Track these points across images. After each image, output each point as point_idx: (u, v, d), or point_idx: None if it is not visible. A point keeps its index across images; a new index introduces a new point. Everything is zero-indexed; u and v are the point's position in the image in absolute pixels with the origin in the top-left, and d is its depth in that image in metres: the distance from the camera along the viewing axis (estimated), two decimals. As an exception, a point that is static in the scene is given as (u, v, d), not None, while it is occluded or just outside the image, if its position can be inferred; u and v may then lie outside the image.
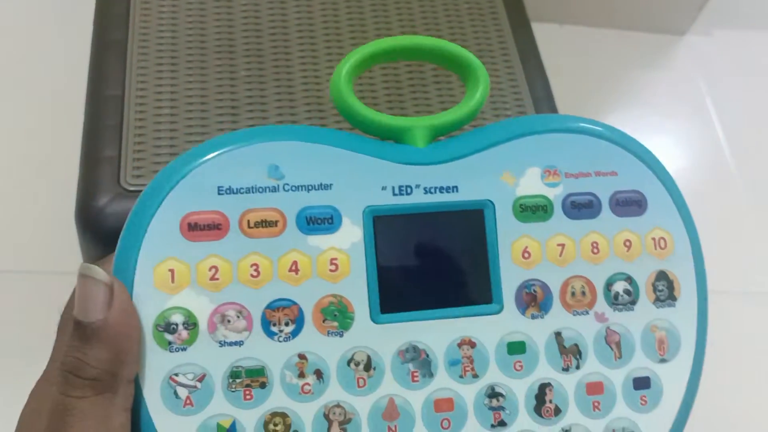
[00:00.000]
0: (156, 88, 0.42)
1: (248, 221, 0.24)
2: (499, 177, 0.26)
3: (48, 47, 0.71)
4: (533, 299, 0.26)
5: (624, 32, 0.85)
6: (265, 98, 0.43)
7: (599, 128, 0.27)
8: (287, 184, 0.24)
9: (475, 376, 0.25)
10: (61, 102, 0.58)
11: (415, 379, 0.25)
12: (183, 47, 0.44)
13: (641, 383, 0.26)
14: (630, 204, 0.27)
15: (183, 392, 0.23)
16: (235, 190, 0.24)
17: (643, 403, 0.26)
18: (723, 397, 0.55)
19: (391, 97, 0.42)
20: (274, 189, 0.24)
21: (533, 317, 0.26)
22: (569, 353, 0.26)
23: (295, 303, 0.24)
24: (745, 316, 0.65)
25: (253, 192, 0.24)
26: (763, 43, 0.86)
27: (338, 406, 0.24)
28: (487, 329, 0.25)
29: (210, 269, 0.24)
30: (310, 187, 0.25)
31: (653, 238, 0.27)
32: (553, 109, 0.47)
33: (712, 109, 0.80)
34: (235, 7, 0.46)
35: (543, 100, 0.47)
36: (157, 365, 0.23)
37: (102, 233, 0.38)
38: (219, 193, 0.24)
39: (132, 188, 0.39)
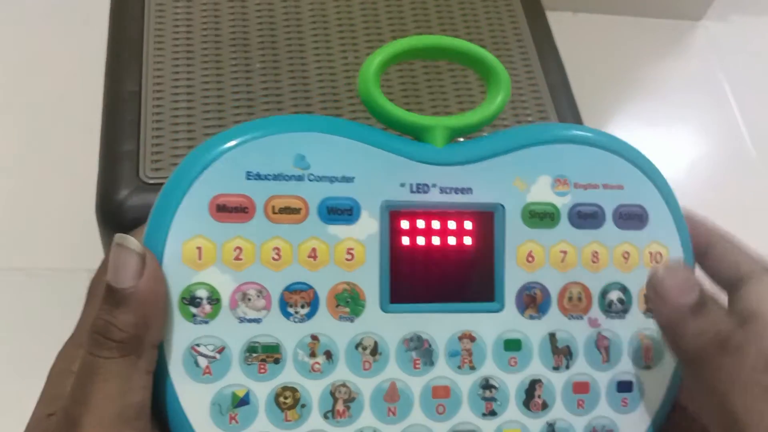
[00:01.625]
0: (172, 83, 0.43)
1: (273, 207, 0.25)
2: (512, 182, 0.27)
3: (65, 45, 0.71)
4: (533, 301, 0.27)
5: (638, 19, 0.84)
6: (281, 90, 0.44)
7: (611, 142, 0.29)
8: (312, 174, 0.26)
9: (472, 368, 0.27)
10: (78, 100, 0.58)
11: (417, 366, 0.26)
12: (198, 41, 0.45)
13: (624, 387, 0.28)
14: (632, 218, 0.28)
15: (203, 362, 0.25)
16: (262, 176, 0.25)
17: (624, 404, 0.28)
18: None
19: (408, 92, 0.43)
20: (300, 178, 0.26)
21: (531, 318, 0.27)
22: (561, 353, 0.27)
23: (311, 287, 0.26)
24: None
25: (279, 179, 0.25)
26: (782, 29, 0.84)
27: (344, 385, 0.26)
28: (487, 326, 0.27)
29: (235, 249, 0.25)
30: (333, 179, 0.26)
31: (650, 252, 0.28)
32: (570, 98, 0.47)
33: (731, 95, 0.79)
34: (249, 0, 0.47)
35: (559, 87, 0.47)
36: (181, 335, 0.24)
37: (123, 226, 0.39)
38: (247, 178, 0.25)
39: (151, 181, 0.40)
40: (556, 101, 0.46)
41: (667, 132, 0.77)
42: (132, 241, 0.24)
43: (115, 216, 0.39)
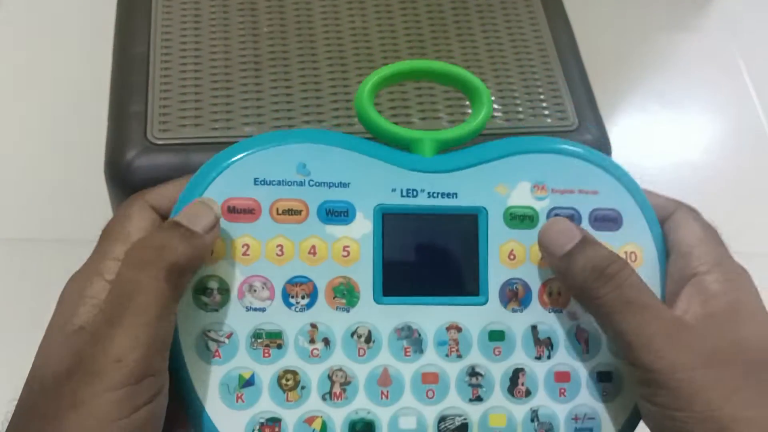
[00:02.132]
0: (180, 45, 0.45)
1: (277, 209, 0.29)
2: (494, 188, 0.30)
3: (75, 8, 0.73)
4: (515, 295, 0.30)
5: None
6: (288, 54, 0.45)
7: (586, 152, 0.31)
8: (312, 180, 0.29)
9: (459, 356, 0.29)
10: (88, 65, 0.59)
11: (408, 354, 0.29)
12: (206, 4, 0.46)
13: (604, 377, 0.30)
14: (607, 220, 0.31)
15: (213, 346, 0.28)
16: (268, 182, 0.29)
17: (604, 393, 0.30)
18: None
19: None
20: (301, 183, 0.29)
21: (513, 311, 0.30)
22: (542, 344, 0.30)
23: (311, 280, 0.28)
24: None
25: (283, 184, 0.29)
26: (797, 2, 0.82)
27: (341, 369, 0.28)
28: (473, 317, 0.29)
29: (243, 246, 0.28)
30: (331, 184, 0.29)
31: (626, 252, 0.31)
32: (582, 73, 0.46)
33: (745, 70, 0.77)
34: (256, -37, 0.47)
35: (571, 61, 0.47)
36: (194, 321, 0.28)
37: (130, 186, 0.40)
38: (255, 184, 0.29)
39: (159, 142, 0.41)
40: (569, 77, 0.46)
41: (681, 108, 0.76)
42: (216, 204, 0.27)
43: (124, 176, 0.40)
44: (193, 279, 0.28)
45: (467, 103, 0.45)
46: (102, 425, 0.23)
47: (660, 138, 0.71)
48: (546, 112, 0.45)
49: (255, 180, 0.29)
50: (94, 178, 0.44)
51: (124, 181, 0.41)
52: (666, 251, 0.31)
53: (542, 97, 0.45)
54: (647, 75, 0.77)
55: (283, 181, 0.29)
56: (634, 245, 0.31)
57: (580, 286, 0.28)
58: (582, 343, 0.30)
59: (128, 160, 0.41)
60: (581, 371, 0.30)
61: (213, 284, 0.28)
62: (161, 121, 0.42)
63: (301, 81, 0.44)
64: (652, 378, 0.26)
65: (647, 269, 0.31)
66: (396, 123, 0.31)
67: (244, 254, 0.28)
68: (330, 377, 0.28)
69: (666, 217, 0.31)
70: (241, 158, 0.29)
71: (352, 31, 0.47)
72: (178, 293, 0.26)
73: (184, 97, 0.43)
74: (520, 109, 0.45)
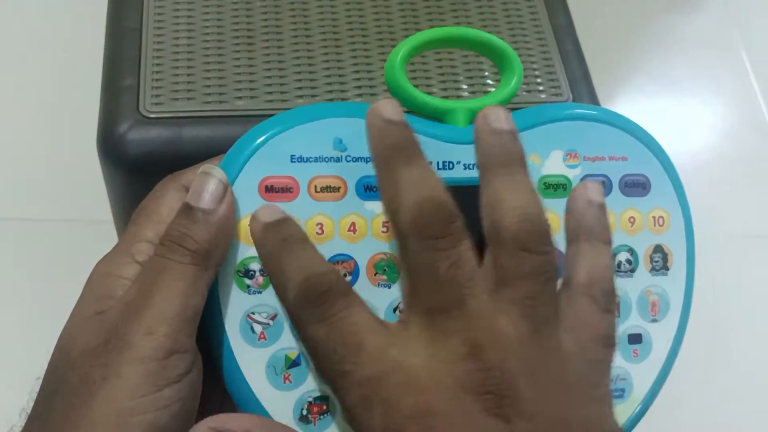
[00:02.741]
0: (173, 19, 0.44)
1: (315, 186, 0.28)
2: (528, 157, 0.30)
3: None
4: None
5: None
6: (281, 27, 0.45)
7: (615, 119, 0.31)
8: (349, 156, 0.28)
9: None
10: (82, 37, 0.58)
11: None
12: None
13: (635, 339, 0.31)
14: (636, 186, 0.31)
15: (258, 328, 0.27)
16: (305, 159, 0.28)
17: (635, 355, 0.31)
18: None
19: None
20: (338, 159, 0.28)
21: None
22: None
23: (352, 258, 0.28)
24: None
25: (320, 161, 0.28)
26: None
27: None
28: None
29: None
30: (368, 159, 0.28)
31: (653, 217, 0.31)
32: (578, 49, 0.46)
33: (744, 52, 0.78)
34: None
35: (566, 38, 0.47)
36: (238, 304, 0.27)
37: (123, 160, 0.41)
38: (291, 161, 0.28)
39: (152, 115, 0.41)
40: (567, 62, 0.46)
41: (679, 89, 0.77)
42: (218, 171, 0.27)
43: (116, 150, 0.41)
44: (236, 261, 0.27)
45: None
46: (132, 397, 0.23)
47: (658, 119, 0.72)
48: (540, 87, 0.45)
49: (292, 157, 0.28)
50: (87, 152, 0.43)
51: (117, 155, 0.41)
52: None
53: (537, 72, 0.46)
54: (645, 56, 0.77)
55: (320, 157, 0.28)
56: (662, 210, 0.31)
57: None
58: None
59: (121, 133, 0.41)
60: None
61: (255, 266, 0.27)
62: (154, 95, 0.42)
63: (295, 55, 0.44)
64: None
65: (673, 234, 0.31)
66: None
67: None
68: None
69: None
70: (276, 134, 0.28)
71: (346, 5, 0.47)
72: (208, 271, 0.26)
73: (176, 70, 0.43)
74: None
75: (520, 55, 0.46)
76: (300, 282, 0.25)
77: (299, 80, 0.43)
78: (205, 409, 0.28)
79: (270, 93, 0.43)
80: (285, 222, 0.26)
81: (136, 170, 0.42)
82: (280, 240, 0.26)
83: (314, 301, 0.24)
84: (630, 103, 0.74)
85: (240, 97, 0.42)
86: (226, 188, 0.26)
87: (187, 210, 0.26)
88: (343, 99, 0.43)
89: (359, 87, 0.44)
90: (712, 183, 0.67)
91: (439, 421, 0.22)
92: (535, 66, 0.46)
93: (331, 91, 0.43)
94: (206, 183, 0.26)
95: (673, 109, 0.76)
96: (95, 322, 0.25)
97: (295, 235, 0.26)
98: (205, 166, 0.27)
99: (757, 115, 0.76)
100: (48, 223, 0.58)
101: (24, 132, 0.65)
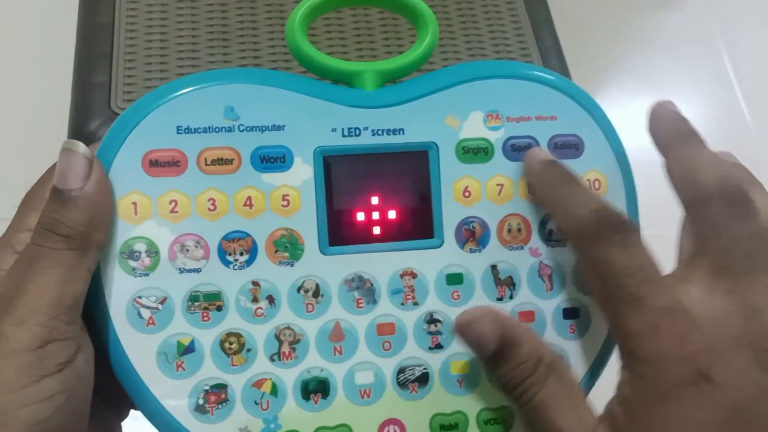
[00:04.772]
0: (146, 15, 0.44)
1: (205, 159, 0.26)
2: (444, 120, 0.28)
3: None
4: (472, 235, 0.28)
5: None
6: (257, 23, 0.44)
7: (542, 74, 0.29)
8: (242, 125, 0.26)
9: (416, 303, 0.27)
10: (53, 33, 0.58)
11: (360, 305, 0.27)
12: None
13: (570, 313, 0.28)
14: (567, 147, 0.29)
15: (146, 313, 0.25)
16: (192, 130, 0.26)
17: (571, 331, 0.28)
18: None
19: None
20: (230, 129, 0.26)
21: (471, 251, 0.28)
22: (504, 284, 0.28)
23: (249, 235, 0.26)
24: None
25: (209, 132, 0.26)
26: (780, -18, 0.82)
27: (288, 328, 0.26)
28: (428, 262, 0.27)
29: (170, 203, 0.26)
30: (263, 128, 0.26)
31: (588, 179, 0.29)
32: (559, 52, 0.45)
33: (724, 50, 0.77)
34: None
35: (546, 34, 0.46)
36: (123, 289, 0.25)
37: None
38: (178, 133, 0.26)
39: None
40: (546, 58, 0.45)
41: (659, 86, 0.76)
42: (80, 146, 0.25)
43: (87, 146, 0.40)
44: (118, 242, 0.25)
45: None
46: (8, 391, 0.22)
47: (637, 115, 0.71)
48: (512, 56, 0.44)
49: (178, 128, 0.26)
50: (57, 150, 0.42)
51: None
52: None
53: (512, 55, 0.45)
54: (626, 53, 0.76)
55: (209, 128, 0.26)
56: (597, 172, 0.29)
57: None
58: (545, 279, 0.28)
59: (92, 130, 0.40)
60: (546, 309, 0.28)
61: (140, 247, 0.25)
62: (126, 91, 0.41)
63: (270, 52, 0.43)
64: None
65: (611, 198, 0.29)
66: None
67: (172, 211, 0.26)
68: (277, 337, 0.26)
69: (689, 204, 0.27)
70: (160, 104, 0.26)
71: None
72: (88, 255, 0.24)
73: (149, 66, 0.42)
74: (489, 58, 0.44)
75: (498, 51, 0.44)
76: (599, 208, 0.25)
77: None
78: (111, 397, 0.26)
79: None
80: (560, 163, 0.27)
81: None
82: (562, 174, 0.27)
83: (617, 227, 0.25)
84: (610, 100, 0.73)
85: (214, 93, 0.41)
86: (90, 161, 0.24)
87: (56, 193, 0.24)
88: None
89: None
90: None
91: (722, 364, 0.23)
92: (512, 57, 0.44)
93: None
94: (68, 160, 0.24)
95: (651, 103, 0.75)
96: None
97: (574, 174, 0.27)
98: (66, 141, 0.25)
99: (736, 112, 0.75)
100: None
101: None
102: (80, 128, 0.40)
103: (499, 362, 0.26)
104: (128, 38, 0.43)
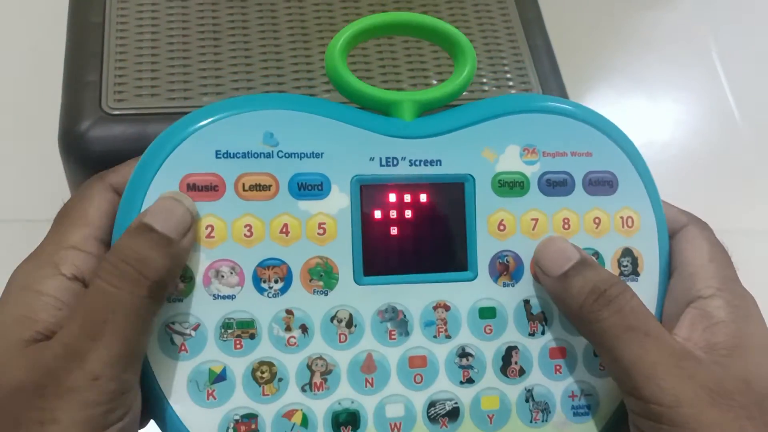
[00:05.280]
0: (137, 14, 0.43)
1: (243, 184, 0.26)
2: (480, 153, 0.28)
3: None
4: (506, 269, 0.28)
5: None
6: (248, 23, 0.43)
7: (578, 111, 0.29)
8: (281, 151, 0.26)
9: (448, 336, 0.27)
10: (43, 32, 0.57)
11: (393, 337, 0.27)
12: None
13: None
14: (602, 184, 0.29)
15: (178, 339, 0.25)
16: (231, 155, 0.26)
17: (601, 368, 0.28)
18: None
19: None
20: (269, 155, 0.26)
21: (504, 285, 0.28)
22: (536, 320, 0.28)
23: (284, 262, 0.26)
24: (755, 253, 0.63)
25: (248, 157, 0.26)
26: (770, -18, 0.82)
27: (320, 358, 0.26)
28: (461, 294, 0.27)
29: (206, 227, 0.25)
30: (302, 155, 0.26)
31: (621, 217, 0.29)
32: (550, 52, 0.46)
33: (714, 50, 0.77)
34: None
35: (537, 33, 0.46)
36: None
37: (86, 158, 0.40)
38: (216, 157, 0.26)
39: (114, 112, 0.39)
40: (537, 60, 0.45)
41: (649, 86, 0.76)
42: (188, 200, 0.24)
43: (78, 147, 0.39)
44: None
45: (427, 63, 0.43)
46: None
47: (628, 115, 0.72)
48: (510, 83, 0.43)
49: (216, 153, 0.26)
50: (48, 150, 0.41)
51: (79, 153, 0.40)
52: (669, 268, 0.29)
53: (506, 67, 0.44)
54: (616, 52, 0.77)
55: (248, 153, 0.26)
56: (631, 210, 0.29)
57: (577, 309, 0.25)
58: (577, 316, 0.28)
59: (82, 130, 0.39)
60: (577, 346, 0.28)
61: None
62: (117, 91, 0.40)
63: (262, 50, 0.43)
64: (652, 410, 0.24)
65: (643, 236, 0.29)
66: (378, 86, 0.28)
67: (209, 236, 0.25)
68: (309, 367, 0.26)
69: (676, 231, 0.29)
70: (200, 128, 0.26)
71: (314, 0, 0.45)
72: (159, 306, 0.24)
73: (140, 66, 0.41)
74: (485, 80, 0.43)
75: (489, 50, 0.45)
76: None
77: (266, 76, 0.42)
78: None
79: (236, 89, 0.41)
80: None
81: (99, 169, 0.40)
82: None
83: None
84: (600, 99, 0.74)
85: (206, 93, 0.41)
86: (194, 219, 0.24)
87: (148, 232, 0.23)
88: (312, 95, 0.41)
89: (328, 83, 0.42)
90: (681, 179, 0.68)
91: None
92: (504, 61, 0.44)
93: (299, 87, 0.42)
94: (174, 210, 0.24)
95: (642, 102, 0.76)
96: (26, 357, 0.22)
97: None
98: (171, 192, 0.24)
99: (726, 112, 0.76)
100: (5, 224, 0.57)
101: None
102: (71, 128, 0.40)
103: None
104: (119, 38, 0.42)
